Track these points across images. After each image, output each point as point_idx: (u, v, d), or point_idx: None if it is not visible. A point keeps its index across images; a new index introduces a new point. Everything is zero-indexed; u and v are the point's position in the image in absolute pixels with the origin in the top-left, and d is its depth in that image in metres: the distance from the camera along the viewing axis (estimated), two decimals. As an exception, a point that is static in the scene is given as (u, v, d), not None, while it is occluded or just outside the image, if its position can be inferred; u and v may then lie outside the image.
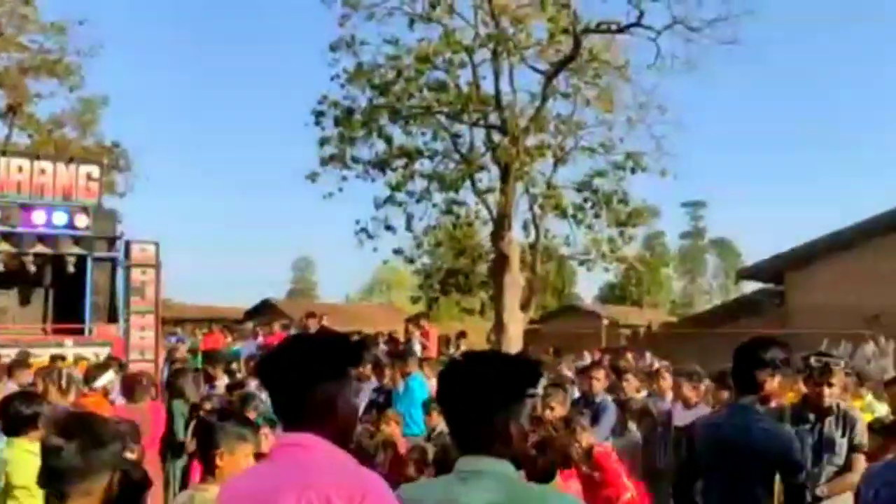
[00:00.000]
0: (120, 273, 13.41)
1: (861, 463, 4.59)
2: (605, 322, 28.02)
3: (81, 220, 12.98)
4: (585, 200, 19.30)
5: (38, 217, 12.69)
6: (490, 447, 2.10)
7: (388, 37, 18.55)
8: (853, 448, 4.71)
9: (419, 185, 19.39)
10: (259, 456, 3.21)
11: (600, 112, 19.26)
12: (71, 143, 23.21)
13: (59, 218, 12.83)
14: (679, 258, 64.35)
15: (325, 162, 19.20)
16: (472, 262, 20.74)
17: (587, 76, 18.74)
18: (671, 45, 17.95)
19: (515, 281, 17.98)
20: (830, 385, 4.76)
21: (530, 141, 18.27)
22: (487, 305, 20.53)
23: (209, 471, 3.18)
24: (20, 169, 13.14)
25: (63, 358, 10.26)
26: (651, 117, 18.79)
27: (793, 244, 22.66)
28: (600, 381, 7.96)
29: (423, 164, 19.50)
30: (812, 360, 4.84)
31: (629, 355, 12.37)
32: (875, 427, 5.38)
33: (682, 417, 7.08)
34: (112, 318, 13.28)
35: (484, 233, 20.19)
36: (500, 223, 18.13)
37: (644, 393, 8.46)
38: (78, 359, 11.01)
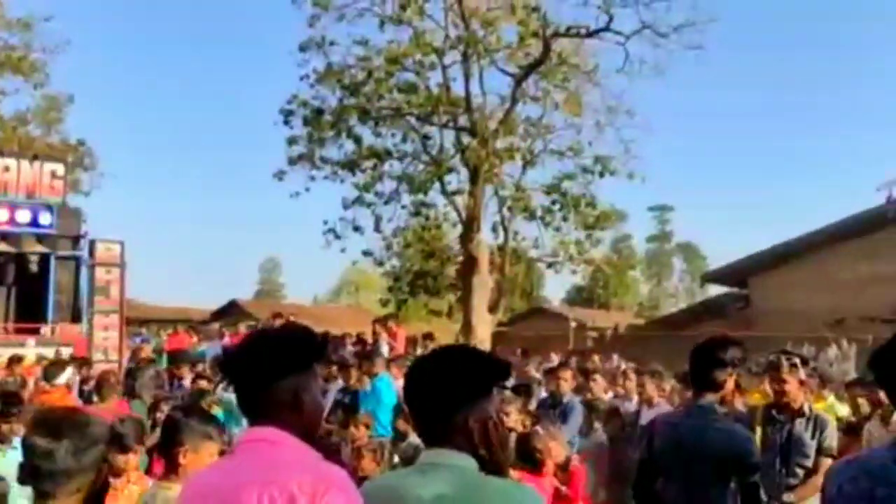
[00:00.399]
0: (84, 272, 13.25)
1: (828, 466, 4.59)
2: (573, 324, 28.13)
3: (45, 218, 12.84)
4: (554, 203, 19.40)
5: (1, 214, 12.52)
6: (451, 441, 2.11)
7: (358, 38, 18.57)
8: (821, 451, 4.72)
9: (388, 186, 19.44)
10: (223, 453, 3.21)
11: (569, 116, 19.41)
12: (35, 141, 22.86)
13: (23, 216, 12.68)
14: (646, 261, 64.86)
15: (293, 161, 19.13)
16: (440, 264, 20.75)
17: (556, 80, 18.86)
18: (640, 50, 18.14)
19: (484, 283, 18.02)
20: (782, 381, 4.79)
21: (500, 143, 18.35)
22: (455, 307, 20.55)
23: (172, 468, 3.14)
24: (-17, 166, 12.96)
25: (21, 358, 10.10)
26: (619, 121, 18.98)
27: (757, 249, 22.97)
28: (567, 381, 7.99)
29: (392, 166, 19.56)
30: (771, 357, 4.89)
31: (596, 357, 12.44)
32: (839, 427, 5.46)
33: (646, 416, 7.14)
34: (75, 317, 13.13)
35: (453, 235, 20.24)
36: (469, 225, 18.17)
37: (610, 394, 8.53)
38: (40, 358, 10.85)
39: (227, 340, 15.29)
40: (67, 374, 7.56)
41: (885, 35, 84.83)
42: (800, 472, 4.72)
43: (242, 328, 15.71)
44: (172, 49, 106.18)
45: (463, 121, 18.64)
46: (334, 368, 9.20)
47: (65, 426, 2.15)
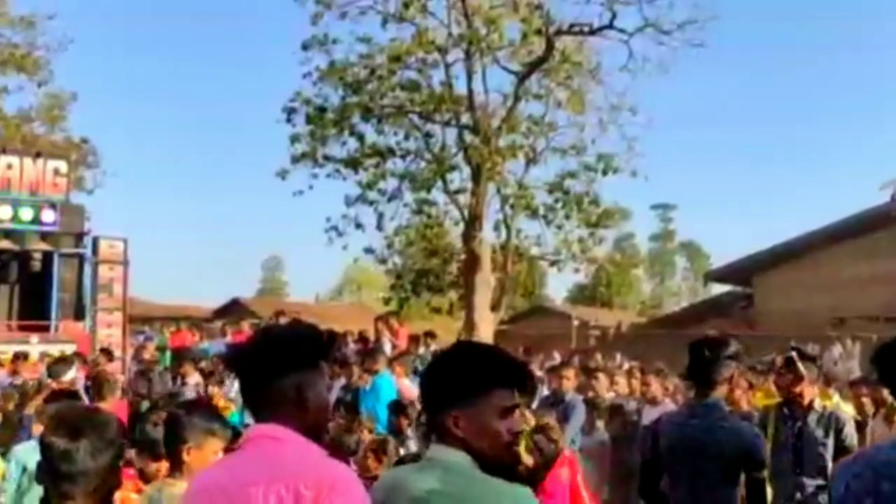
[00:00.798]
0: (87, 269, 13.26)
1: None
2: (575, 323, 28.14)
3: (49, 216, 12.84)
4: (556, 201, 19.38)
5: (5, 212, 12.54)
6: (445, 438, 2.17)
7: (360, 35, 18.56)
8: (843, 451, 4.55)
9: (391, 184, 19.41)
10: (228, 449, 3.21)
11: (572, 113, 19.39)
12: (39, 139, 22.91)
13: (26, 213, 12.69)
14: (648, 260, 64.85)
15: (296, 159, 19.12)
16: (443, 262, 20.75)
17: (559, 77, 18.84)
18: (643, 47, 18.12)
19: (486, 281, 18.02)
20: (799, 377, 4.72)
21: (502, 141, 18.34)
22: (457, 305, 20.56)
23: (176, 466, 3.15)
24: (-15, 163, 12.97)
25: (26, 356, 10.13)
26: (622, 119, 18.96)
27: (761, 248, 22.96)
28: (570, 379, 8.00)
29: (394, 164, 19.53)
30: (787, 354, 4.81)
31: (599, 356, 12.45)
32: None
33: (649, 415, 7.14)
34: (79, 315, 13.13)
35: (455, 233, 20.22)
36: (472, 223, 18.17)
37: (612, 393, 8.53)
38: (43, 356, 10.87)
39: (229, 338, 15.32)
40: (73, 372, 7.59)
41: (891, 35, 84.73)
42: (814, 471, 4.61)
43: (245, 326, 15.71)
44: (175, 47, 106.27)
45: (465, 119, 18.63)
46: (336, 366, 9.21)
47: (84, 426, 2.16)
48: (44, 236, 12.90)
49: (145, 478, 3.58)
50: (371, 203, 19.26)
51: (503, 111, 18.59)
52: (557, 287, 64.72)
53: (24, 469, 4.37)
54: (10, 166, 13.13)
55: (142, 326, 19.45)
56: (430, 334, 12.53)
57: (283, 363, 2.12)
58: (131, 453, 3.58)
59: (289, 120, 19.09)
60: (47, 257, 12.97)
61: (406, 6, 17.82)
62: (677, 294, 64.17)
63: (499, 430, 2.17)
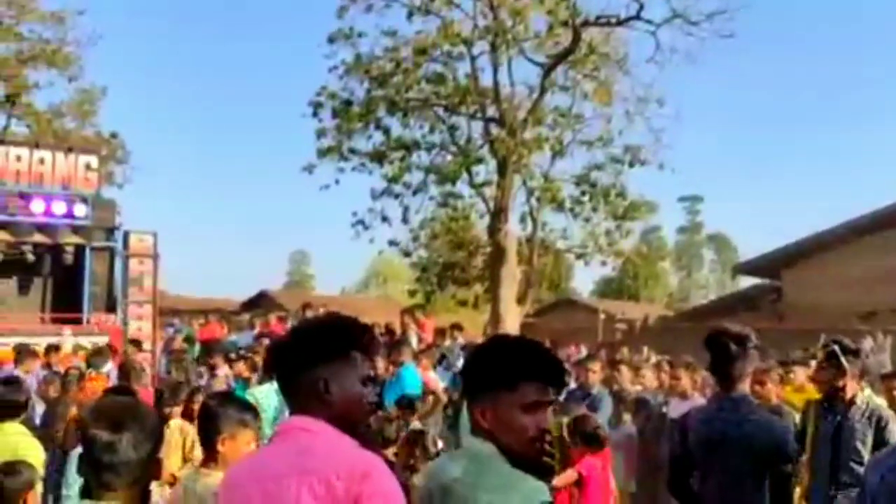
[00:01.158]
0: (118, 263, 13.41)
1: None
2: (602, 316, 28.05)
3: (80, 210, 12.99)
4: (583, 193, 19.31)
5: (37, 206, 12.69)
6: (475, 429, 2.24)
7: (386, 28, 18.58)
8: (883, 446, 4.32)
9: (416, 177, 19.45)
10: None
11: (599, 105, 19.29)
12: (70, 134, 23.15)
13: (58, 207, 12.84)
14: (676, 253, 64.38)
15: (322, 154, 19.20)
16: (468, 255, 20.76)
17: (586, 69, 18.75)
18: (671, 38, 17.99)
19: (512, 274, 18.01)
20: (842, 371, 4.64)
21: (528, 134, 18.29)
22: (483, 298, 20.56)
23: (211, 456, 3.21)
24: (19, 158, 13.15)
25: (58, 348, 10.28)
26: (650, 111, 18.84)
27: (790, 240, 22.73)
28: (596, 372, 7.99)
29: (420, 157, 19.57)
30: (829, 346, 4.72)
31: (625, 349, 12.41)
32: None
33: (677, 409, 7.11)
34: (110, 307, 13.29)
35: (480, 226, 20.22)
36: (497, 216, 18.15)
37: (639, 386, 8.51)
38: (76, 348, 11.03)
39: (257, 330, 15.42)
40: (110, 364, 7.73)
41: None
42: (854, 467, 4.47)
43: (273, 318, 15.80)
44: (202, 42, 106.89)
45: (491, 111, 18.61)
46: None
47: (125, 418, 2.20)
48: (76, 230, 13.05)
49: None
50: (397, 196, 19.33)
51: (529, 103, 18.55)
52: (584, 280, 64.62)
53: None
54: (42, 161, 13.30)
55: (171, 319, 19.61)
56: (456, 327, 12.53)
57: (309, 355, 2.14)
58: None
59: (315, 114, 19.18)
60: (79, 251, 13.12)
61: (432, -2, 17.84)
62: (705, 287, 63.69)
63: (524, 425, 2.20)
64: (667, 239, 60.77)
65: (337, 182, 19.18)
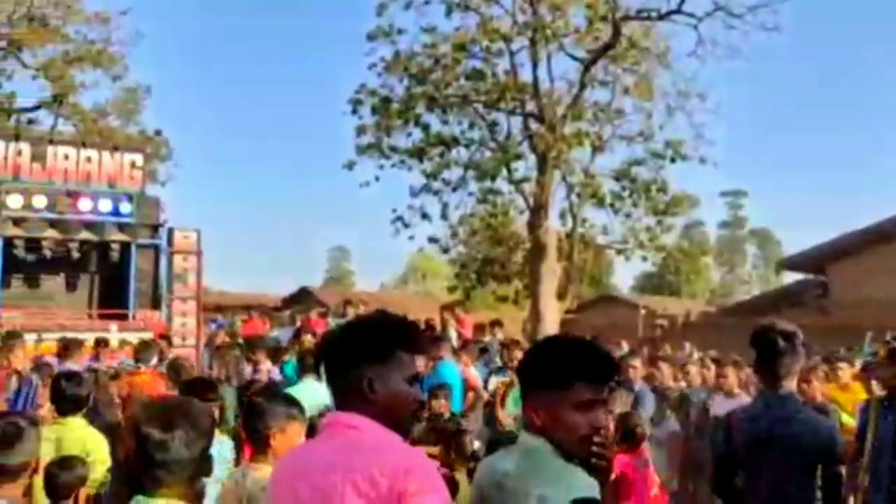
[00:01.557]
0: (163, 260, 13.59)
1: None
2: (643, 312, 27.79)
3: (126, 208, 13.19)
4: (623, 189, 19.19)
5: (84, 204, 12.90)
6: (527, 425, 2.30)
7: (425, 25, 18.62)
8: None
9: (455, 173, 19.48)
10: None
11: (639, 100, 19.15)
12: (114, 132, 23.51)
13: (105, 205, 13.03)
14: (718, 248, 63.62)
15: (361, 150, 19.30)
16: (508, 251, 20.74)
17: (626, 63, 18.62)
18: (712, 32, 17.79)
19: (552, 270, 17.96)
20: None
21: (568, 129, 18.22)
22: (522, 294, 20.52)
23: (261, 450, 3.27)
24: (67, 157, 13.38)
25: (107, 342, 10.43)
26: (691, 105, 18.65)
27: (835, 235, 22.35)
28: (637, 369, 7.95)
29: (459, 153, 19.59)
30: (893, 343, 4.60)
31: (667, 345, 12.29)
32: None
33: (722, 406, 7.04)
34: (155, 304, 13.47)
35: (520, 222, 20.19)
36: (537, 212, 18.11)
37: (682, 383, 8.44)
38: (122, 344, 11.20)
39: (298, 326, 15.56)
40: (155, 357, 7.86)
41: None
42: None
43: (314, 314, 15.94)
44: (243, 40, 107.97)
45: (530, 107, 18.56)
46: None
47: (177, 417, 2.24)
48: (121, 228, 13.23)
49: None
50: (436, 193, 19.37)
51: (569, 99, 18.49)
52: (624, 276, 64.06)
53: None
54: (89, 160, 13.53)
55: (214, 315, 19.84)
56: (496, 323, 12.54)
57: (354, 354, 2.16)
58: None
59: (354, 111, 19.30)
60: (125, 248, 13.31)
61: (471, -6, 17.83)
62: (748, 283, 62.84)
63: (576, 423, 2.21)
64: (709, 234, 60.08)
65: (377, 179, 19.30)
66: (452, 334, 12.52)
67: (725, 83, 52.81)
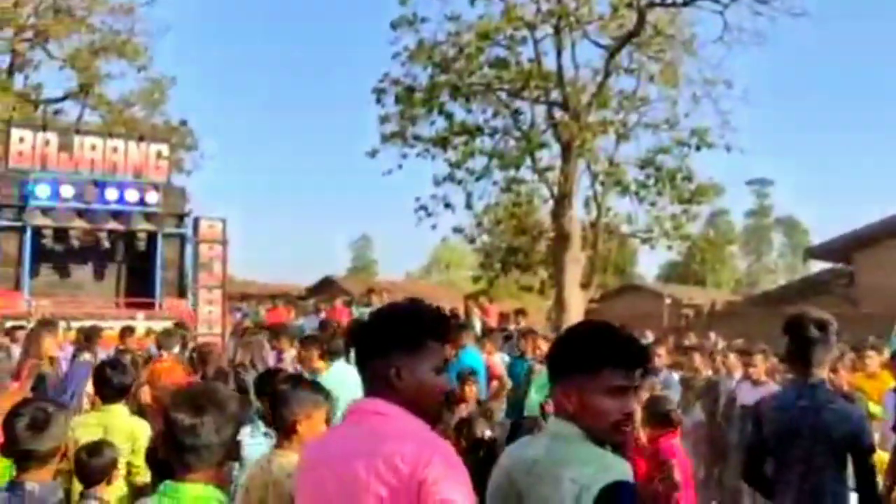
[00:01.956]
0: (189, 249, 13.69)
1: None
2: (668, 301, 27.66)
3: (152, 197, 13.31)
4: (648, 177, 19.06)
5: (111, 194, 13.04)
6: (557, 410, 2.30)
7: (449, 13, 18.55)
8: None
9: (479, 162, 19.41)
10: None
11: (664, 87, 18.98)
12: (140, 123, 23.71)
13: (131, 195, 13.16)
14: (744, 237, 63.06)
15: (385, 139, 19.31)
16: (532, 241, 20.68)
17: (651, 51, 18.45)
18: (739, 18, 17.58)
19: (576, 259, 17.89)
20: None
21: (592, 117, 18.10)
22: (547, 284, 20.47)
23: (286, 437, 3.29)
24: (93, 147, 13.52)
25: (133, 330, 10.54)
26: (717, 92, 18.46)
27: (863, 223, 22.09)
28: (662, 356, 7.93)
29: (483, 142, 19.52)
30: None
31: (692, 334, 12.24)
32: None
33: (749, 395, 6.99)
34: (181, 292, 13.59)
35: (544, 211, 20.13)
36: (561, 201, 18.03)
37: (709, 371, 8.40)
38: (149, 332, 11.30)
39: (322, 315, 15.65)
40: (178, 345, 7.95)
41: None
42: None
43: (338, 303, 16.01)
44: (267, 31, 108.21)
45: (555, 95, 18.46)
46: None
47: (206, 402, 2.27)
48: (148, 217, 13.36)
49: None
50: (459, 182, 19.33)
51: (593, 87, 18.35)
52: (649, 265, 63.78)
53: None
54: (115, 150, 13.66)
55: (238, 304, 19.96)
56: (520, 312, 12.53)
57: (382, 342, 2.16)
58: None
59: (378, 101, 19.30)
60: (151, 237, 13.44)
61: (494, -18, 17.73)
62: (774, 272, 62.26)
63: (607, 409, 2.21)
64: (734, 223, 59.57)
65: (400, 167, 19.29)
66: (476, 323, 12.53)
67: (752, 70, 52.18)
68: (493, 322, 13.24)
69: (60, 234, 12.85)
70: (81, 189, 12.88)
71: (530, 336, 9.73)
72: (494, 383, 9.08)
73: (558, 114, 18.28)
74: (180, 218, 13.75)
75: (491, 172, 19.49)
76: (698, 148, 18.52)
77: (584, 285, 18.30)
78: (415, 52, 18.74)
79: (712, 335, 14.33)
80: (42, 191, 12.61)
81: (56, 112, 24.50)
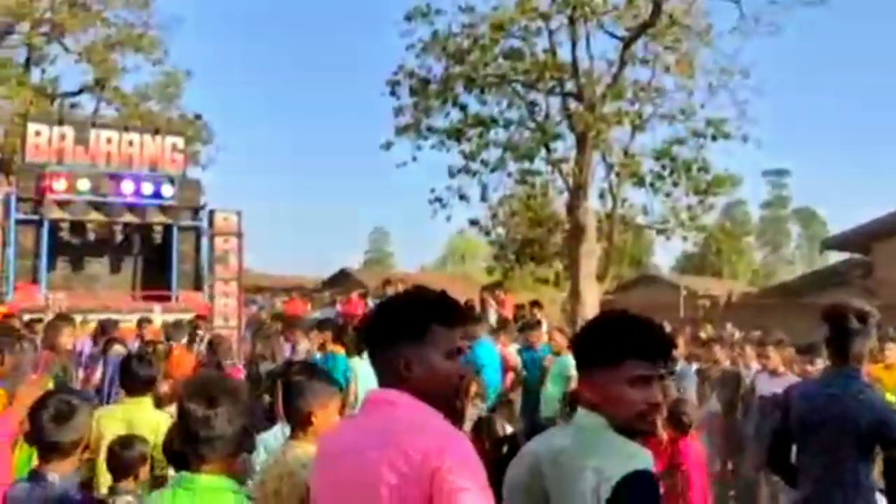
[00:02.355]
0: (204, 242, 13.74)
1: None
2: (684, 292, 27.56)
3: (168, 190, 13.35)
4: (664, 168, 18.93)
5: (127, 187, 13.09)
6: (582, 401, 2.30)
7: (463, 5, 18.47)
8: None
9: (494, 154, 19.34)
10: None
11: (680, 78, 18.83)
12: (155, 116, 23.78)
13: (147, 188, 13.21)
14: (760, 228, 62.76)
15: (399, 131, 19.28)
16: (547, 232, 20.63)
17: (667, 41, 18.30)
18: (755, 7, 17.43)
19: (591, 251, 17.82)
20: None
21: (607, 108, 18.00)
22: (562, 276, 20.42)
23: (301, 427, 3.27)
24: (109, 140, 13.58)
25: (150, 321, 10.61)
26: (733, 82, 18.31)
27: (881, 213, 21.89)
28: (680, 348, 7.89)
29: (497, 133, 19.45)
30: None
31: (709, 326, 12.19)
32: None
33: (768, 386, 6.96)
34: (197, 285, 13.64)
35: (559, 202, 20.05)
36: (576, 192, 17.96)
37: (727, 362, 8.36)
38: (164, 324, 11.36)
39: (338, 307, 15.69)
40: (186, 336, 8.04)
41: None
42: None
43: (354, 295, 16.05)
44: (280, 24, 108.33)
45: (570, 86, 18.37)
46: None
47: (219, 394, 2.27)
48: (164, 210, 13.41)
49: None
50: (474, 174, 19.27)
51: (608, 77, 18.24)
52: (665, 256, 63.57)
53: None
54: (131, 143, 13.72)
55: (254, 296, 20.06)
56: (536, 304, 12.49)
57: (388, 333, 2.15)
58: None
59: (392, 93, 19.26)
60: (167, 230, 13.49)
61: (508, -27, 17.64)
62: (791, 263, 61.94)
63: (631, 399, 2.22)
64: (751, 214, 59.30)
65: (414, 159, 19.25)
66: (492, 315, 12.51)
67: (768, 60, 51.77)
68: (508, 314, 13.22)
69: (77, 227, 12.92)
70: (98, 182, 12.94)
71: (537, 328, 9.78)
72: (510, 375, 9.09)
73: (573, 105, 18.20)
74: (196, 211, 13.80)
75: (506, 164, 19.44)
76: (714, 138, 18.37)
77: (600, 277, 18.24)
78: (429, 43, 18.69)
79: (729, 326, 14.28)
80: (59, 184, 12.68)
81: (72, 106, 24.61)
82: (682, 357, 7.96)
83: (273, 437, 4.23)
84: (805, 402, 3.75)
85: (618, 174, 18.79)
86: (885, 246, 21.09)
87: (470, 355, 8.52)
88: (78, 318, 10.35)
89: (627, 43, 17.83)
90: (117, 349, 7.86)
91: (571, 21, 17.76)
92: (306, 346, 9.92)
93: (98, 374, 8.15)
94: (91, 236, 13.06)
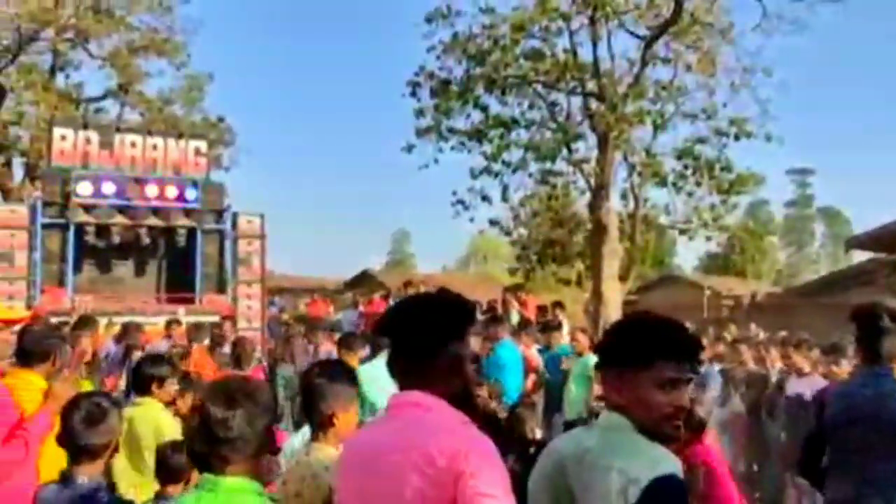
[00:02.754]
0: (228, 244, 13.82)
1: None
2: (707, 292, 27.37)
3: (191, 194, 13.43)
4: (686, 168, 18.82)
5: (151, 190, 13.18)
6: (608, 402, 2.32)
7: (483, 6, 18.47)
8: None
9: (515, 155, 19.31)
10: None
11: (702, 77, 18.71)
12: (179, 119, 23.94)
13: (171, 191, 13.30)
14: (784, 227, 62.21)
15: (420, 133, 19.31)
16: (569, 233, 20.58)
17: (688, 40, 18.20)
18: (777, 5, 17.30)
19: (614, 251, 17.75)
20: None
21: (629, 108, 17.91)
22: (584, 276, 20.35)
23: (322, 429, 3.27)
24: (133, 144, 13.68)
25: (180, 322, 10.69)
26: (756, 81, 18.17)
27: (907, 211, 21.62)
28: (704, 349, 7.84)
29: (519, 134, 19.42)
30: None
31: (733, 326, 12.10)
32: None
33: (796, 386, 6.90)
34: (221, 287, 13.72)
35: (581, 202, 20.01)
36: (598, 192, 17.90)
37: (751, 363, 8.30)
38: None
39: (361, 309, 15.75)
40: (208, 338, 8.12)
41: None
42: None
43: (376, 297, 16.09)
44: (302, 27, 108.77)
45: (591, 86, 18.32)
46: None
47: (239, 395, 2.28)
48: (187, 213, 13.49)
49: None
50: (496, 175, 19.25)
51: (630, 77, 18.16)
52: (687, 256, 63.22)
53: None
54: (155, 147, 13.82)
55: (272, 297, 20.10)
56: (558, 304, 12.47)
57: (439, 334, 2.16)
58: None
59: (413, 94, 19.29)
60: (191, 233, 13.56)
61: (528, -27, 17.62)
62: (816, 262, 61.34)
63: (658, 402, 2.21)
64: (774, 213, 58.80)
65: (436, 161, 19.26)
66: (514, 316, 12.50)
67: (792, 59, 51.32)
68: (531, 315, 13.20)
69: (102, 230, 13.03)
70: (122, 186, 13.04)
71: (558, 329, 9.78)
72: (532, 376, 9.08)
73: (594, 105, 18.14)
74: (219, 213, 13.87)
75: (527, 165, 19.41)
76: (737, 137, 18.23)
77: (622, 277, 18.16)
78: (449, 45, 18.70)
79: (753, 327, 14.16)
80: (84, 188, 12.79)
81: (97, 110, 24.85)
82: (706, 358, 7.90)
83: (300, 439, 4.22)
84: (840, 402, 3.72)
85: (640, 174, 18.71)
86: (911, 245, 20.82)
87: (492, 356, 8.53)
88: (103, 320, 10.48)
89: (649, 42, 17.75)
90: (138, 356, 7.94)
91: (592, 21, 17.71)
92: (328, 348, 9.95)
93: (122, 380, 8.24)
94: (116, 239, 13.16)
